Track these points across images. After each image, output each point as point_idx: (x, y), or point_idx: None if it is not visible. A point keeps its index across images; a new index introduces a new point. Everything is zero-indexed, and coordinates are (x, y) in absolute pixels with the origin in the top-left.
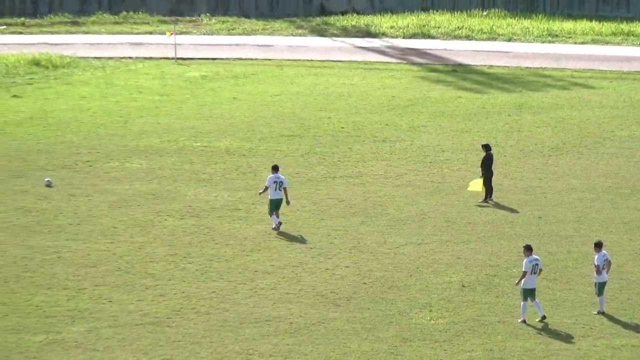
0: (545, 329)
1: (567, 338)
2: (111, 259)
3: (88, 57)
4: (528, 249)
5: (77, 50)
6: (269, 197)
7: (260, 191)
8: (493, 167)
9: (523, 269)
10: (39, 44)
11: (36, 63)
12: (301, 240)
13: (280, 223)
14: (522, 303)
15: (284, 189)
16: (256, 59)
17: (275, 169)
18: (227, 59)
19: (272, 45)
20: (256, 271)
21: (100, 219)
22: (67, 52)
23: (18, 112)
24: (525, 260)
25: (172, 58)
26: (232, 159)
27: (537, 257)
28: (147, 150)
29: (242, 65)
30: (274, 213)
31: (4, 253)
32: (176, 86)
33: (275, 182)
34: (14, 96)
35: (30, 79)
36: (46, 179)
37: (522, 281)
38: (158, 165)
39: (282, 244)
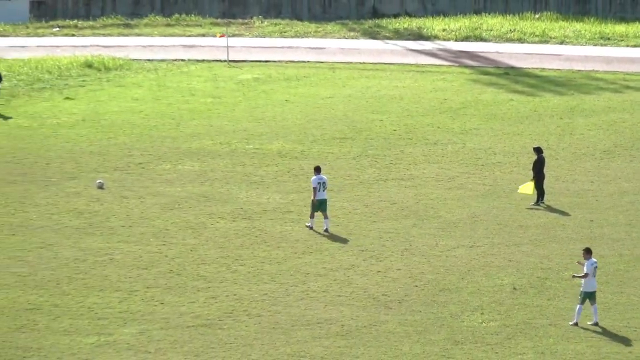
0: (597, 332)
1: (619, 341)
2: (163, 261)
3: (140, 60)
4: (588, 252)
5: (130, 53)
6: (314, 197)
7: (313, 197)
8: (545, 170)
9: (585, 271)
10: (91, 46)
11: (89, 65)
12: (353, 242)
13: (312, 228)
14: (578, 306)
15: (326, 188)
16: (308, 61)
17: (317, 170)
18: (279, 61)
19: (324, 48)
20: (308, 273)
21: (152, 221)
22: (119, 54)
23: (71, 114)
24: (587, 262)
25: (225, 60)
26: (284, 161)
27: (596, 259)
28: (199, 152)
29: (294, 68)
30: (314, 214)
31: (57, 255)
32: (228, 88)
33: (319, 182)
34: (67, 98)
35: (83, 81)
36: (98, 181)
37: (583, 284)
38: (210, 168)
39: (334, 247)
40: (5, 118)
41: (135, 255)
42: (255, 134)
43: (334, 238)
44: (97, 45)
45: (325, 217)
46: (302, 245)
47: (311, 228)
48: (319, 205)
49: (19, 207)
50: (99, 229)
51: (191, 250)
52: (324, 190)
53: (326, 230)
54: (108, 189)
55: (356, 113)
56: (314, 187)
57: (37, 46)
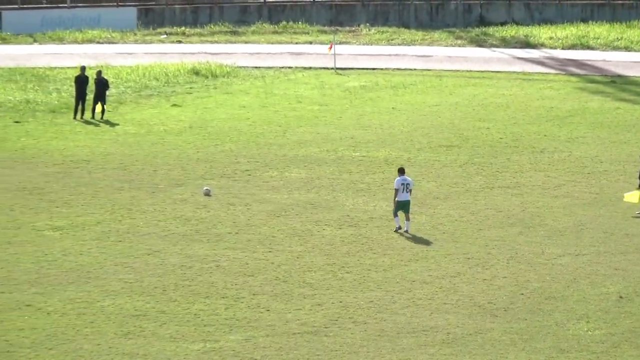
0: None
1: None
2: (269, 268)
3: (248, 67)
4: None
5: (237, 60)
6: (397, 199)
7: (396, 198)
8: None
9: None
10: (198, 53)
11: (196, 72)
12: (459, 250)
13: (400, 228)
14: None
15: (410, 190)
16: (415, 69)
17: (401, 171)
18: (386, 69)
19: (431, 56)
20: (414, 281)
21: (258, 227)
22: (226, 61)
23: (178, 121)
24: None
25: (332, 68)
26: (390, 168)
27: None
28: (305, 159)
29: (401, 76)
30: (397, 215)
31: (163, 261)
32: (335, 96)
33: (403, 184)
34: (174, 105)
35: (190, 88)
36: (205, 188)
37: None
38: (316, 175)
39: (440, 254)
40: (113, 125)
41: (242, 262)
42: (362, 141)
43: (439, 246)
44: (205, 53)
45: (407, 218)
46: (408, 253)
47: (399, 228)
48: (402, 207)
49: (126, 213)
50: (206, 236)
51: (297, 258)
52: (407, 192)
53: (406, 231)
54: (215, 195)
55: (463, 121)
56: (395, 189)
57: (145, 53)
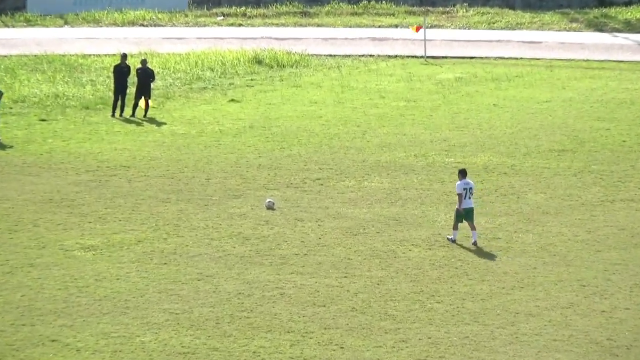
0: None
1: None
2: (344, 297)
3: (320, 55)
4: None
5: (308, 46)
6: (459, 206)
7: (458, 205)
8: None
9: None
10: (262, 38)
11: (258, 61)
12: (572, 276)
13: (454, 241)
14: None
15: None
16: (521, 57)
17: (463, 173)
18: (486, 57)
19: (540, 42)
20: (517, 313)
21: (331, 248)
22: (295, 48)
23: (236, 120)
24: None
25: (421, 56)
26: (491, 177)
27: None
28: (389, 166)
29: (504, 66)
30: (458, 225)
31: (217, 288)
32: (425, 90)
33: (465, 189)
34: (232, 100)
35: (251, 80)
36: (268, 200)
37: None
38: (402, 185)
39: (549, 281)
40: (159, 124)
41: (311, 290)
42: (456, 144)
43: (549, 270)
44: (269, 38)
45: (473, 228)
46: (511, 279)
47: (454, 241)
48: (465, 215)
49: (173, 230)
50: (268, 258)
51: (378, 284)
52: (470, 198)
53: (474, 244)
54: (279, 209)
55: (578, 120)
56: (458, 194)
57: (197, 38)
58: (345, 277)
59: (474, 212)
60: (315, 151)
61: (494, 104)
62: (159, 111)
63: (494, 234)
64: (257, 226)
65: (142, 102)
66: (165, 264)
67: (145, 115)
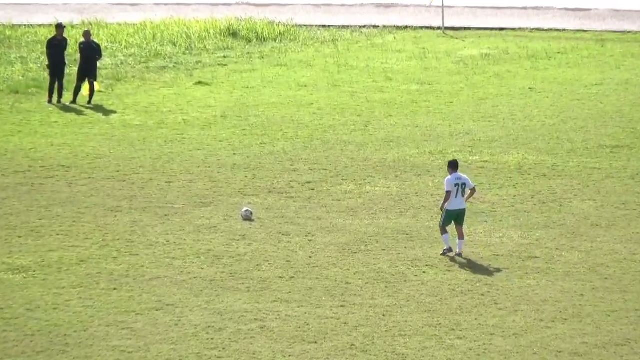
0: None
1: None
2: (340, 331)
3: (311, 25)
4: None
5: (295, 15)
6: (447, 206)
7: (443, 203)
8: None
9: None
10: (237, 4)
11: (233, 33)
12: (629, 305)
13: (450, 250)
14: None
15: (472, 189)
16: (564, 29)
17: (453, 166)
18: (519, 29)
19: (589, 10)
20: (560, 351)
21: (325, 269)
22: (280, 17)
23: (205, 108)
24: None
25: (438, 27)
26: (526, 180)
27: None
28: (398, 166)
29: (542, 40)
30: (447, 231)
31: (180, 320)
32: (443, 70)
33: (457, 185)
34: (199, 83)
35: (224, 57)
36: (244, 209)
37: None
38: (414, 190)
39: (600, 311)
40: (107, 113)
41: (299, 323)
42: (483, 139)
43: (599, 298)
44: (246, 4)
45: (461, 235)
46: (552, 308)
47: (449, 250)
48: (455, 217)
49: (125, 247)
50: (245, 282)
51: (384, 316)
52: (462, 195)
53: (459, 254)
54: (259, 220)
55: (636, 109)
56: (447, 191)
57: (155, 4)
58: (343, 306)
59: (465, 214)
60: (305, 147)
61: (529, 88)
62: (107, 96)
63: (530, 252)
64: (231, 242)
65: (85, 86)
66: (114, 289)
67: (89, 102)
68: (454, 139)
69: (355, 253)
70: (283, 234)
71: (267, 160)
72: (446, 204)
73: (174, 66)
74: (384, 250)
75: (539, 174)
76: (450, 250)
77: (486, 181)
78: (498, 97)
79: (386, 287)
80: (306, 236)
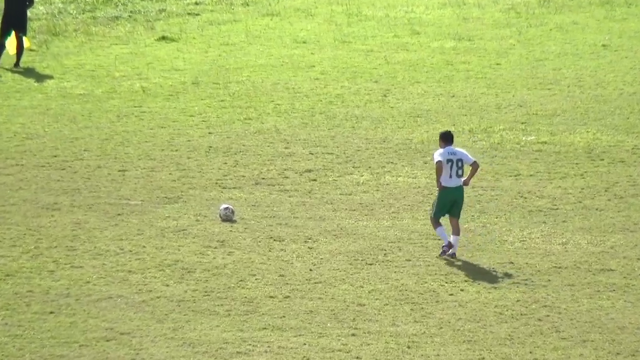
0: None
1: None
2: None
3: None
4: None
5: None
6: (441, 185)
7: (437, 180)
8: None
9: None
10: None
11: None
12: None
13: (451, 245)
14: None
15: (473, 164)
16: None
17: (447, 138)
18: None
19: None
20: None
21: (331, 287)
22: None
23: (170, 71)
24: None
25: None
26: (598, 168)
27: None
28: (426, 149)
29: None
30: (441, 223)
31: (138, 354)
32: (488, 21)
33: (449, 160)
34: (163, 38)
35: (196, 3)
36: (223, 207)
37: None
38: None
39: None
40: (41, 78)
41: (296, 357)
42: (540, 112)
43: None
44: None
45: (456, 230)
46: (632, 339)
47: (448, 247)
48: (451, 205)
49: (64, 257)
50: (224, 303)
51: (408, 347)
52: (458, 176)
53: (452, 255)
54: (242, 221)
55: None
56: (437, 161)
57: None
58: (354, 335)
59: (463, 199)
60: (304, 124)
61: (603, 45)
62: (40, 56)
63: (604, 263)
64: (205, 250)
65: (11, 42)
66: (51, 312)
67: (17, 64)
68: (502, 112)
69: (371, 264)
70: (275, 240)
71: (254, 142)
72: (441, 179)
73: (129, 16)
74: (409, 260)
75: (616, 159)
76: (450, 245)
77: (544, 169)
78: (561, 58)
79: (412, 309)
80: (305, 242)
